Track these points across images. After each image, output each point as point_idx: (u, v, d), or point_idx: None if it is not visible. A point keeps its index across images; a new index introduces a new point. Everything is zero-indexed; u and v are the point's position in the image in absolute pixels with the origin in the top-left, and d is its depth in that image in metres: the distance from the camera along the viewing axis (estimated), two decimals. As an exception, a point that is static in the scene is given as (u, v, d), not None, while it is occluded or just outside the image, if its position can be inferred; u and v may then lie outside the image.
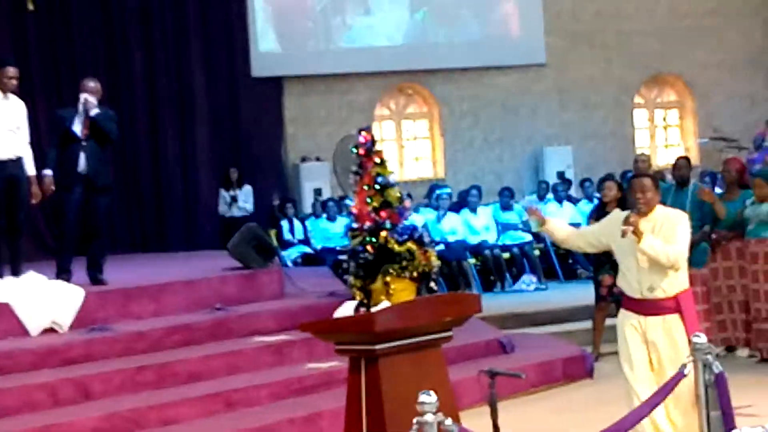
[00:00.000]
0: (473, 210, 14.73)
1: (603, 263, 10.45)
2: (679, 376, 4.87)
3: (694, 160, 18.55)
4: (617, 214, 6.69)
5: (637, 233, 6.31)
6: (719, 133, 17.76)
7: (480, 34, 17.91)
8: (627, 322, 6.53)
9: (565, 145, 18.17)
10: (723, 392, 4.73)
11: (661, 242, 6.32)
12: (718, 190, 13.80)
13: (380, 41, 17.40)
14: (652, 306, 6.41)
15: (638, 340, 6.42)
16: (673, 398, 5.90)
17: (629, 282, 6.50)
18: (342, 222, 13.82)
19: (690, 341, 6.11)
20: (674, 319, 6.37)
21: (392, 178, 10.25)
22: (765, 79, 19.61)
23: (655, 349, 6.35)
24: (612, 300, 10.50)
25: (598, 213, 10.41)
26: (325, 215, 14.87)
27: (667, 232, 6.40)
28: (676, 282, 6.40)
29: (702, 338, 4.89)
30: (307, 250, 14.68)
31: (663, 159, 19.00)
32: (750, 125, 17.98)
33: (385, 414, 5.73)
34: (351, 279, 9.93)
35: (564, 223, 6.99)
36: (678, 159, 10.99)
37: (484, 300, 12.77)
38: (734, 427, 4.70)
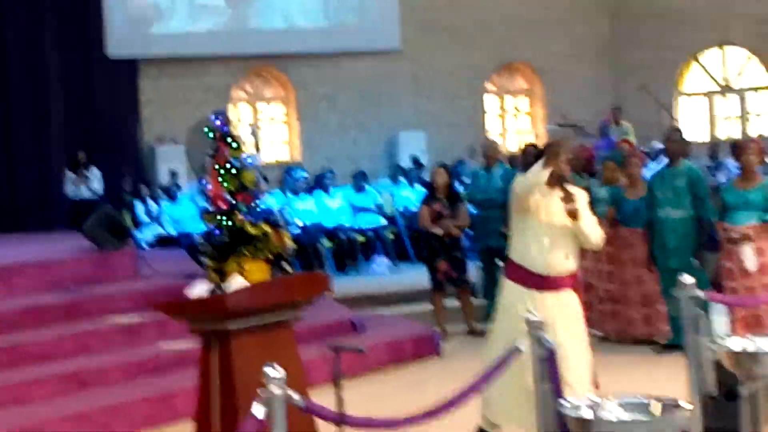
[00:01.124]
0: (328, 193, 14.95)
1: (437, 250, 10.84)
2: (515, 351, 5.16)
3: (543, 145, 19.10)
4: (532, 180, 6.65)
5: (576, 212, 6.50)
6: (567, 120, 18.30)
7: (336, 19, 18.11)
8: (519, 297, 6.56)
9: (420, 131, 18.51)
10: (553, 366, 5.04)
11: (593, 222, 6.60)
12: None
13: (237, 25, 17.45)
14: (553, 282, 6.53)
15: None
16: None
17: (535, 257, 6.55)
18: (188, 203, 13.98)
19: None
20: (568, 294, 6.56)
21: (249, 161, 10.36)
22: (610, 68, 20.31)
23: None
24: (449, 284, 10.90)
25: (429, 199, 10.91)
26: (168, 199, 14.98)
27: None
28: (575, 260, 6.64)
29: (535, 315, 5.20)
30: (162, 231, 14.70)
31: (514, 145, 19.54)
32: (596, 113, 18.59)
33: (236, 391, 5.91)
34: (206, 261, 10.02)
35: None
36: (526, 145, 11.42)
37: (338, 282, 13.00)
38: (563, 398, 5.01)
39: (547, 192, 6.59)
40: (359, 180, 15.41)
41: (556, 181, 6.54)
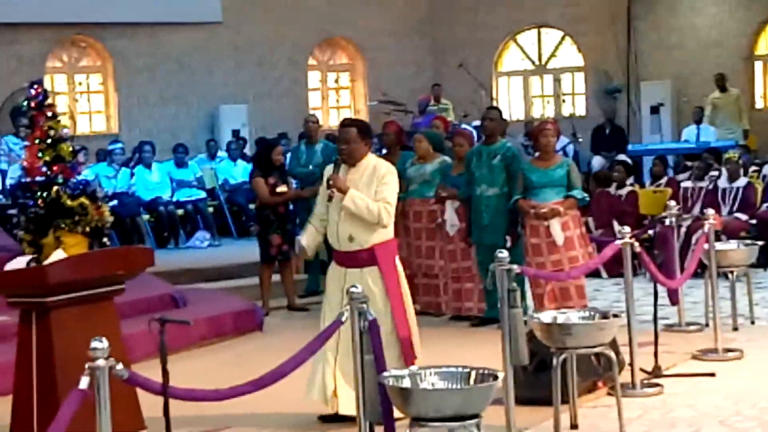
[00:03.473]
0: (147, 166, 14.76)
1: (271, 222, 10.86)
2: (337, 323, 5.24)
3: (364, 122, 19.28)
4: (327, 172, 6.84)
5: (342, 191, 6.51)
6: (387, 97, 18.55)
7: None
8: (331, 274, 6.75)
9: (241, 104, 18.44)
10: (375, 338, 5.15)
11: (364, 198, 6.51)
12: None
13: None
14: (351, 258, 6.61)
15: (338, 293, 6.54)
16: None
17: (332, 233, 6.67)
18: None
19: (387, 291, 6.56)
20: (372, 271, 6.59)
21: (65, 133, 10.15)
22: (430, 46, 20.63)
23: None
24: (280, 258, 10.93)
25: (261, 173, 10.86)
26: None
27: (376, 184, 6.60)
28: (375, 234, 6.60)
29: (358, 288, 5.30)
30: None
31: (335, 120, 19.68)
32: (416, 90, 18.88)
33: (55, 365, 5.84)
34: (21, 233, 9.79)
35: (310, 235, 6.92)
36: (343, 120, 11.55)
37: (158, 256, 12.80)
38: (385, 370, 5.13)
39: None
40: (181, 154, 15.27)
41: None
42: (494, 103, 19.57)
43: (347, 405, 6.42)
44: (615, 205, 12.77)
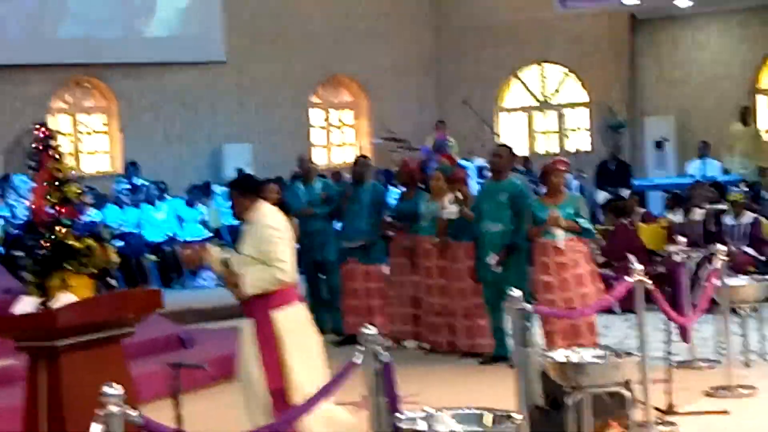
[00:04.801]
0: (153, 205, 14.74)
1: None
2: (349, 365, 5.18)
3: (367, 159, 19.30)
4: None
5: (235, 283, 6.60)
6: (391, 134, 18.52)
7: (160, 29, 17.86)
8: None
9: (245, 143, 18.43)
10: (389, 380, 5.09)
11: (259, 272, 6.51)
12: (394, 189, 14.45)
13: (56, 33, 17.01)
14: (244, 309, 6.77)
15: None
16: None
17: None
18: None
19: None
20: (249, 322, 6.72)
21: (72, 174, 10.12)
22: (434, 82, 20.66)
23: None
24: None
25: None
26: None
27: (257, 241, 6.59)
28: (246, 289, 6.61)
29: (372, 329, 5.24)
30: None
31: (339, 158, 19.69)
32: (420, 126, 18.88)
33: (64, 409, 5.78)
34: (27, 276, 9.73)
35: None
36: (358, 157, 11.57)
37: (163, 296, 12.73)
38: (399, 411, 5.06)
39: None
40: (194, 195, 15.22)
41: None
42: (498, 139, 19.56)
43: None
44: (628, 239, 12.59)
